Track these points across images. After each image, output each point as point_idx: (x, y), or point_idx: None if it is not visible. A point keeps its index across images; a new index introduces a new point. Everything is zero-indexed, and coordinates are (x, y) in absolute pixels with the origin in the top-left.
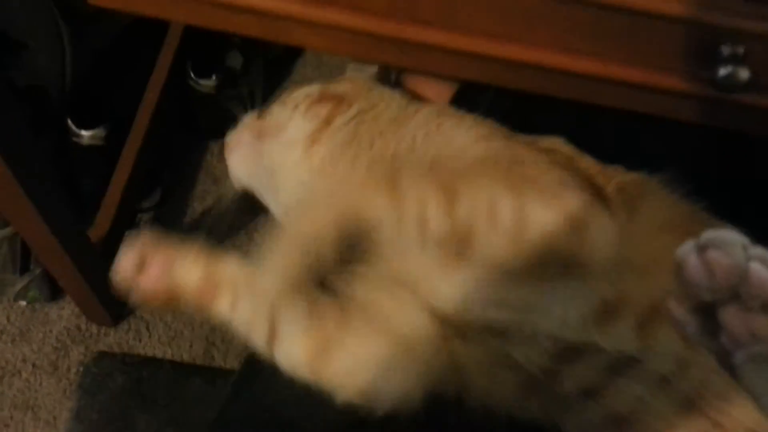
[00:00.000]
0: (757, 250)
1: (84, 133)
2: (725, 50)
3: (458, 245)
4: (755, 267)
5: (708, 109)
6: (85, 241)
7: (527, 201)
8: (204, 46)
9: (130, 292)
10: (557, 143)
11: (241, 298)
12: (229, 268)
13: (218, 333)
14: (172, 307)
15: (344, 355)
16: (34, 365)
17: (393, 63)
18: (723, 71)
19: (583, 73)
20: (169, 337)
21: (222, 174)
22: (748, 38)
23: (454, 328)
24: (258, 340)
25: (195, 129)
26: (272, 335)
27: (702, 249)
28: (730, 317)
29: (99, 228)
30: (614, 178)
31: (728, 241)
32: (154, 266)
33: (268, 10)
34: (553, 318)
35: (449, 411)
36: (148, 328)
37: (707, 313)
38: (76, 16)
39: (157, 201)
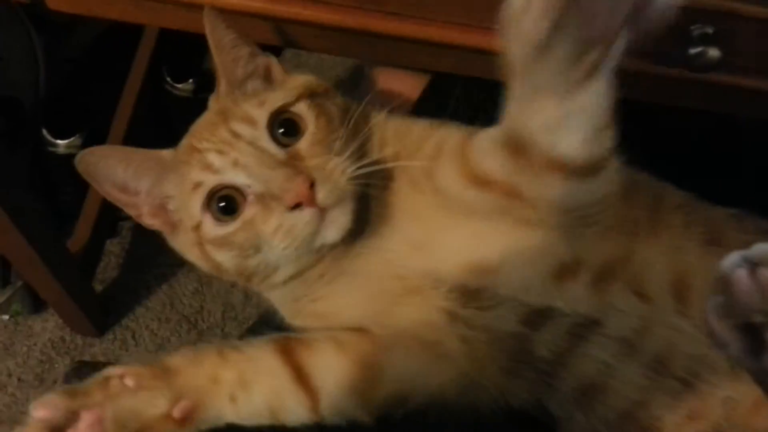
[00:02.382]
0: None
1: (60, 142)
2: (695, 30)
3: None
4: None
5: (681, 90)
6: (64, 252)
7: None
8: (180, 51)
9: None
10: None
11: (243, 386)
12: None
13: (206, 339)
14: None
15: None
16: (19, 379)
17: (364, 57)
18: (693, 51)
19: None
20: (156, 345)
21: None
22: (717, 18)
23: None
24: (296, 409)
25: (173, 134)
26: (310, 393)
27: (754, 266)
28: None
29: (79, 238)
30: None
31: None
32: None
33: (230, 7)
34: (517, 280)
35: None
36: (134, 337)
37: (752, 331)
38: (48, 25)
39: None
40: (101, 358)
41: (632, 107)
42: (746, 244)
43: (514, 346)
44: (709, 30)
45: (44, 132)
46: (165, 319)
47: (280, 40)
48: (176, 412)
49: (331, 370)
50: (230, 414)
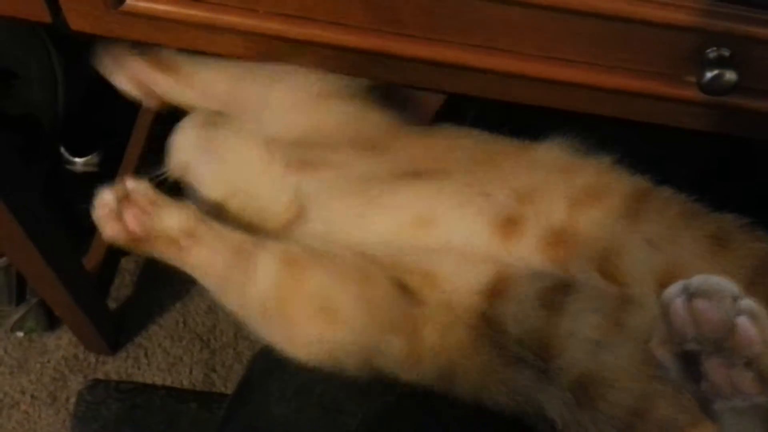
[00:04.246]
0: (747, 303)
1: (78, 160)
2: (711, 53)
3: None
4: (743, 323)
5: (697, 113)
6: (80, 270)
7: None
8: None
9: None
10: (554, 147)
11: (221, 250)
12: (215, 228)
13: (218, 358)
14: (142, 251)
15: (316, 279)
16: (32, 396)
17: (380, 78)
18: (710, 74)
19: (570, 82)
20: (169, 363)
21: None
22: (734, 41)
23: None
24: (236, 286)
25: None
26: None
27: (690, 296)
28: (714, 369)
29: (94, 256)
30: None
31: (718, 291)
32: (137, 205)
33: (250, 29)
34: (461, 233)
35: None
36: (146, 356)
37: (690, 358)
38: (68, 44)
39: None
40: (114, 376)
41: (646, 130)
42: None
43: (482, 327)
44: (726, 53)
45: (62, 149)
46: (178, 337)
47: (295, 61)
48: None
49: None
50: None
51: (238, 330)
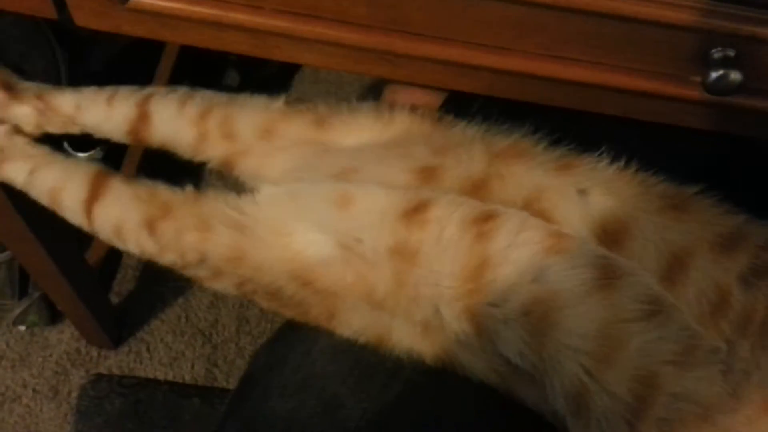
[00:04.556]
0: None
1: (81, 155)
2: (716, 54)
3: None
4: None
5: (702, 113)
6: (83, 265)
7: None
8: (200, 66)
9: None
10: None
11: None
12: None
13: (220, 353)
14: None
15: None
16: (34, 390)
17: (384, 75)
18: (714, 74)
19: (574, 81)
20: (171, 358)
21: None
22: (739, 41)
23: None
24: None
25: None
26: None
27: None
28: None
29: (96, 250)
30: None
31: None
32: None
33: (256, 26)
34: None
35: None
36: (148, 350)
37: None
38: (71, 39)
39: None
40: (116, 371)
41: (649, 129)
42: None
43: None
44: (731, 53)
45: (64, 145)
46: (180, 332)
47: (301, 58)
48: None
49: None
50: None
51: (240, 325)
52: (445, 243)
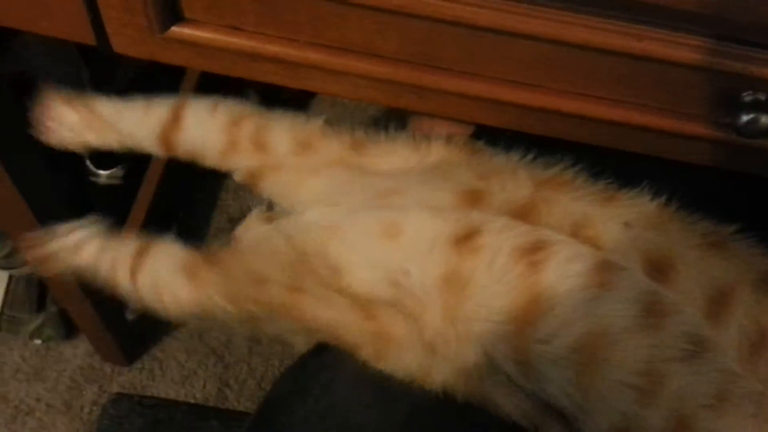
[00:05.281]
0: None
1: (102, 172)
2: (747, 97)
3: None
4: None
5: (730, 155)
6: None
7: None
8: (221, 85)
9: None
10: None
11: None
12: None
13: (232, 373)
14: None
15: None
16: (47, 405)
17: (412, 108)
18: (745, 118)
19: (604, 119)
20: (183, 376)
21: (235, 212)
22: None
23: None
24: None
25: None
26: None
27: None
28: None
29: None
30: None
31: None
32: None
33: (289, 58)
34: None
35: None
36: (161, 368)
37: None
38: (96, 57)
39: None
40: (128, 387)
41: (682, 169)
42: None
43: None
44: (762, 97)
45: (87, 162)
46: (192, 350)
47: (331, 89)
48: None
49: None
50: None
51: (252, 346)
52: (496, 273)
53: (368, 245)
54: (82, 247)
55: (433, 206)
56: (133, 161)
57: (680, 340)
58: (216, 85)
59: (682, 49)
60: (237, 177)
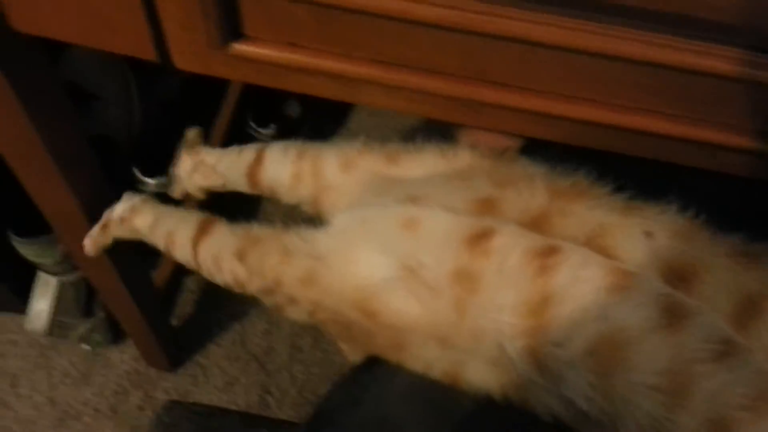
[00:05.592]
0: None
1: (150, 181)
2: None
3: None
4: None
5: None
6: (150, 287)
7: None
8: (264, 96)
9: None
10: None
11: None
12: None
13: (273, 380)
14: None
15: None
16: (95, 409)
17: (467, 123)
18: None
19: (658, 133)
20: (225, 383)
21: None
22: None
23: None
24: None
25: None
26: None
27: None
28: None
29: (161, 273)
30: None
31: None
32: None
33: (347, 73)
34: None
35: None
36: (204, 374)
37: None
38: (144, 68)
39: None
40: (173, 393)
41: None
42: None
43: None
44: None
45: (135, 170)
46: (235, 357)
47: (386, 104)
48: None
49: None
50: None
51: (293, 353)
52: (507, 272)
53: (387, 233)
54: (138, 212)
55: (450, 208)
56: None
57: (706, 341)
58: (258, 95)
59: (745, 66)
60: (304, 208)
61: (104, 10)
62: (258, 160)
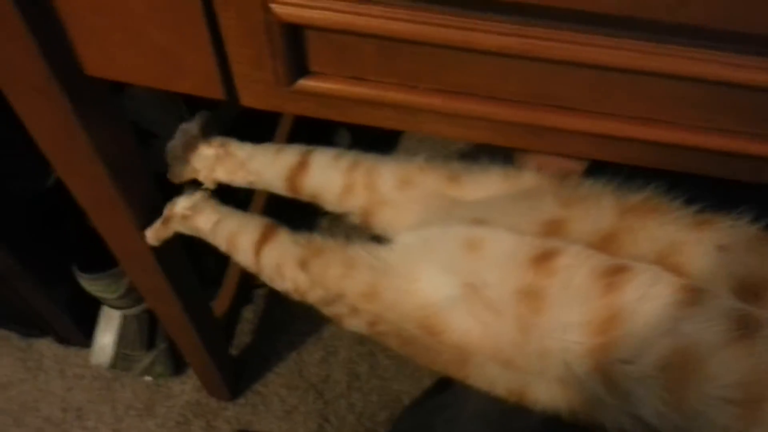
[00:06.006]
0: None
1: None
2: None
3: None
4: None
5: None
6: (211, 317)
7: None
8: (315, 126)
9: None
10: None
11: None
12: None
13: (331, 409)
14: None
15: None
16: None
17: (529, 147)
18: None
19: (726, 151)
20: (284, 411)
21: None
22: None
23: None
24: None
25: (306, 206)
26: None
27: None
28: None
29: (221, 304)
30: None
31: None
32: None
33: (409, 104)
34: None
35: None
36: (264, 403)
37: None
38: (199, 105)
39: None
40: (234, 422)
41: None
42: None
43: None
44: None
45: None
46: (293, 386)
47: (447, 132)
48: None
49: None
50: None
51: (351, 381)
52: (573, 291)
53: (450, 253)
54: (200, 212)
55: (515, 230)
56: (234, 203)
57: None
58: (310, 125)
59: None
60: (352, 218)
61: (176, 55)
62: (303, 165)
